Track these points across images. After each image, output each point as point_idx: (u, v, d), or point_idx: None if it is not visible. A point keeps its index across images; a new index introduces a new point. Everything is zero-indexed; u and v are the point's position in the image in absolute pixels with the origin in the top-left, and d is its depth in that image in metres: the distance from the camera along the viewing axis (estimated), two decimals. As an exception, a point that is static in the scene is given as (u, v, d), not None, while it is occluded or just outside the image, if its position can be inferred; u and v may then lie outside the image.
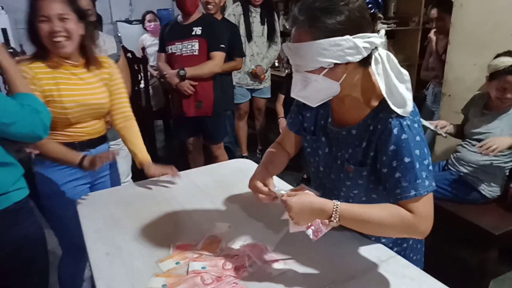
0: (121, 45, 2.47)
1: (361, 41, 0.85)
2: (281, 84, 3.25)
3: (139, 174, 1.71)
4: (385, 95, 0.89)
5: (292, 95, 0.96)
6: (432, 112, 2.88)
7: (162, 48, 2.70)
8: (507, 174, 1.98)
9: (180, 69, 2.50)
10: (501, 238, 1.77)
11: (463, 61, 2.34)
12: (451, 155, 2.17)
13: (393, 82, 0.88)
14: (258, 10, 3.29)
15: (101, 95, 1.59)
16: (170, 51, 2.60)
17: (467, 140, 2.05)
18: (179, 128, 2.84)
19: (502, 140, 1.79)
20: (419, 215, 0.91)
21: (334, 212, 0.91)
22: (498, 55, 1.92)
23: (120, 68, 2.18)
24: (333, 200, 0.93)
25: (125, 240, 1.20)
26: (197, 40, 2.51)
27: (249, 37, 3.28)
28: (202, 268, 1.04)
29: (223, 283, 0.98)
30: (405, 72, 0.89)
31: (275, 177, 1.20)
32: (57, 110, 1.46)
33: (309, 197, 0.94)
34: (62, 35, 1.42)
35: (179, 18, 2.60)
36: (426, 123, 2.10)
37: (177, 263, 1.07)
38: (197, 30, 2.52)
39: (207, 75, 2.57)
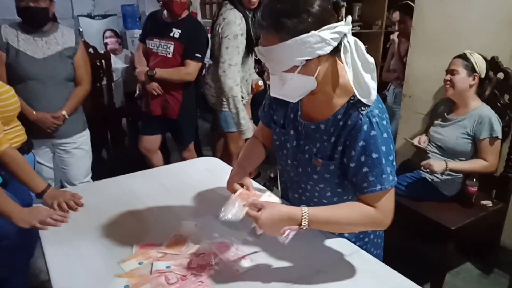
0: (82, 39, 2.37)
1: (327, 33, 0.86)
2: None
3: (100, 173, 1.65)
4: (352, 84, 0.91)
5: (272, 94, 0.98)
6: (393, 112, 2.98)
7: (142, 39, 2.59)
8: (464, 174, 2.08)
9: (150, 69, 2.42)
10: (457, 232, 1.86)
11: (423, 63, 2.43)
12: (414, 154, 2.25)
13: (360, 71, 0.90)
14: (251, 14, 2.55)
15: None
16: (148, 45, 2.51)
17: (432, 142, 2.14)
18: (146, 124, 2.74)
19: (439, 164, 1.95)
20: (383, 208, 0.97)
21: (303, 219, 0.94)
22: (454, 58, 2.02)
23: (78, 62, 2.11)
24: (301, 207, 0.95)
25: (85, 241, 1.15)
26: (173, 43, 2.42)
27: (252, 48, 2.49)
28: (167, 267, 1.01)
29: (188, 282, 0.96)
30: (371, 60, 0.91)
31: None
32: (10, 101, 1.39)
33: (276, 208, 0.95)
34: None
35: (165, 13, 2.48)
36: (411, 141, 2.20)
37: (140, 263, 1.04)
38: (176, 33, 2.42)
39: (176, 81, 2.49)
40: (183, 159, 2.77)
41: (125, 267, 1.02)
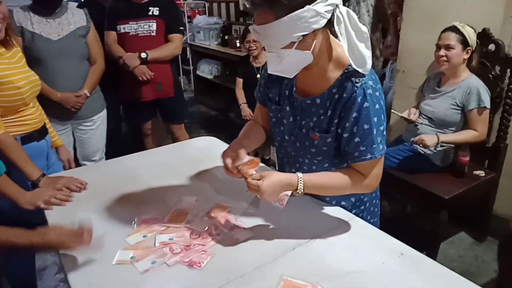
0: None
1: (321, 6, 0.87)
2: (237, 67, 3.18)
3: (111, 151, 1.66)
4: (347, 55, 0.93)
5: (269, 71, 0.99)
6: (389, 88, 3.00)
7: (111, 26, 2.48)
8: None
9: (141, 52, 2.40)
10: (450, 201, 1.92)
11: (415, 37, 2.44)
12: (405, 129, 2.29)
13: (354, 41, 0.92)
14: None
15: (32, 72, 1.54)
16: (122, 31, 2.46)
17: (422, 115, 2.17)
18: (133, 113, 2.75)
19: (430, 139, 1.97)
20: (372, 175, 1.04)
21: (299, 184, 0.99)
22: (444, 30, 2.03)
23: (91, 40, 2.13)
24: (296, 173, 1.01)
25: (91, 218, 1.18)
26: (154, 21, 2.43)
27: None
28: (170, 239, 1.06)
29: (192, 251, 1.00)
30: (364, 29, 0.92)
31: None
32: (11, 92, 1.40)
33: (275, 176, 0.98)
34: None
35: None
36: (398, 113, 2.22)
37: (144, 236, 1.08)
38: (154, 10, 2.43)
39: (168, 57, 2.52)
40: (175, 140, 2.78)
41: (130, 240, 1.06)
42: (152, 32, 2.45)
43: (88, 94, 2.12)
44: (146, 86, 2.50)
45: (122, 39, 2.48)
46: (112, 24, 2.48)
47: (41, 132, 1.60)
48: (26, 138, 1.53)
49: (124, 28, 2.46)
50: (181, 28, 2.54)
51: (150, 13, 2.43)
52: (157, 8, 2.43)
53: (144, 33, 2.45)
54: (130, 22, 2.44)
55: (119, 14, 2.46)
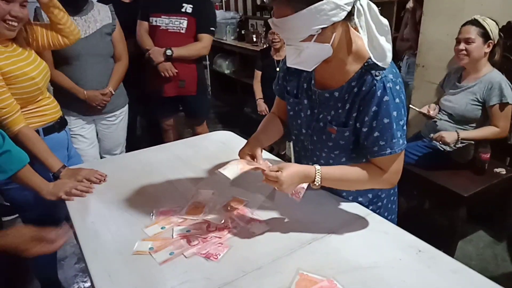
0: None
1: None
2: (256, 60, 3.18)
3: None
4: (367, 48, 0.92)
5: (288, 64, 0.99)
6: (406, 83, 2.96)
7: (144, 16, 2.47)
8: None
9: (167, 49, 2.39)
10: (469, 199, 1.88)
11: (436, 31, 2.39)
12: (425, 124, 2.25)
13: (375, 34, 0.90)
14: None
15: (39, 59, 1.56)
16: (154, 23, 2.44)
17: (442, 110, 2.13)
18: (155, 108, 2.76)
19: (450, 135, 1.95)
20: (391, 170, 1.02)
21: (316, 176, 1.00)
22: (464, 24, 1.98)
23: (116, 38, 2.15)
24: (314, 165, 1.00)
25: (110, 210, 1.21)
26: (186, 18, 2.41)
27: None
28: (187, 231, 1.07)
29: (209, 244, 1.02)
30: (385, 22, 0.91)
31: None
32: (27, 83, 1.43)
33: (293, 167, 0.99)
34: (17, 19, 1.38)
35: None
36: (417, 109, 2.19)
37: (162, 227, 1.10)
38: (188, 8, 2.41)
39: (194, 57, 2.50)
40: (196, 135, 2.81)
41: (149, 231, 1.08)
42: (182, 29, 2.44)
43: (113, 92, 2.15)
44: (169, 82, 2.51)
45: (153, 32, 2.48)
46: (145, 14, 2.48)
47: (61, 123, 1.64)
48: (48, 130, 1.57)
49: (156, 21, 2.45)
50: (212, 28, 2.51)
51: (183, 9, 2.41)
52: (191, 6, 2.41)
53: (174, 29, 2.44)
54: (162, 16, 2.43)
55: (153, 6, 2.45)
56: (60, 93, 2.03)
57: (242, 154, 1.12)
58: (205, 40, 2.48)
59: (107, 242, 1.06)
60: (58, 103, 1.65)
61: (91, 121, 2.21)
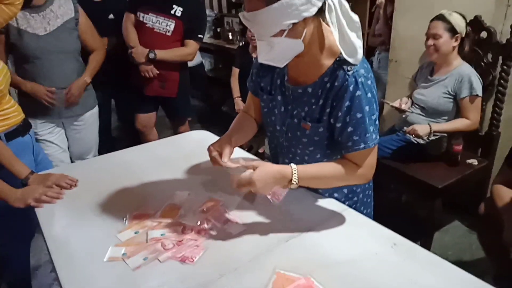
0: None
1: None
2: (234, 57, 3.17)
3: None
4: (338, 44, 0.92)
5: (260, 60, 0.98)
6: (379, 77, 2.99)
7: (133, 9, 2.36)
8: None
9: (150, 51, 2.32)
10: (444, 190, 1.92)
11: (408, 26, 2.43)
12: (398, 118, 2.29)
13: (345, 30, 0.90)
14: None
15: (1, 63, 1.49)
16: (141, 19, 2.34)
17: (415, 104, 2.17)
18: (136, 102, 2.65)
19: (423, 129, 1.98)
20: (366, 165, 1.02)
21: (293, 175, 0.98)
22: (432, 19, 2.02)
23: (84, 30, 2.04)
24: (290, 165, 0.99)
25: (82, 215, 1.17)
26: (174, 21, 2.32)
27: None
28: (162, 235, 1.05)
29: (184, 247, 0.99)
30: (356, 18, 0.91)
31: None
32: None
33: (267, 167, 0.98)
34: None
35: None
36: (389, 103, 2.21)
37: (136, 232, 1.07)
38: (178, 10, 2.32)
39: (177, 62, 2.44)
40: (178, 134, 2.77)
41: (122, 237, 1.05)
42: (168, 32, 2.35)
43: (89, 81, 2.05)
44: (150, 82, 2.45)
45: (138, 27, 2.38)
46: (133, 7, 2.38)
47: (25, 126, 1.58)
48: (11, 134, 1.50)
49: (143, 17, 2.34)
50: (200, 36, 2.44)
51: (172, 11, 2.32)
52: (181, 9, 2.32)
53: (160, 30, 2.35)
54: (150, 13, 2.33)
55: (143, 0, 2.35)
56: (24, 96, 1.94)
57: (211, 149, 1.10)
58: (191, 47, 2.41)
59: (78, 249, 1.02)
60: (19, 106, 1.58)
61: (59, 125, 2.12)
